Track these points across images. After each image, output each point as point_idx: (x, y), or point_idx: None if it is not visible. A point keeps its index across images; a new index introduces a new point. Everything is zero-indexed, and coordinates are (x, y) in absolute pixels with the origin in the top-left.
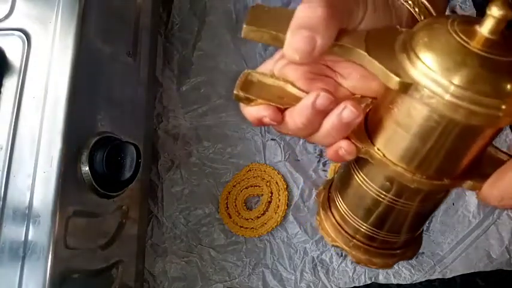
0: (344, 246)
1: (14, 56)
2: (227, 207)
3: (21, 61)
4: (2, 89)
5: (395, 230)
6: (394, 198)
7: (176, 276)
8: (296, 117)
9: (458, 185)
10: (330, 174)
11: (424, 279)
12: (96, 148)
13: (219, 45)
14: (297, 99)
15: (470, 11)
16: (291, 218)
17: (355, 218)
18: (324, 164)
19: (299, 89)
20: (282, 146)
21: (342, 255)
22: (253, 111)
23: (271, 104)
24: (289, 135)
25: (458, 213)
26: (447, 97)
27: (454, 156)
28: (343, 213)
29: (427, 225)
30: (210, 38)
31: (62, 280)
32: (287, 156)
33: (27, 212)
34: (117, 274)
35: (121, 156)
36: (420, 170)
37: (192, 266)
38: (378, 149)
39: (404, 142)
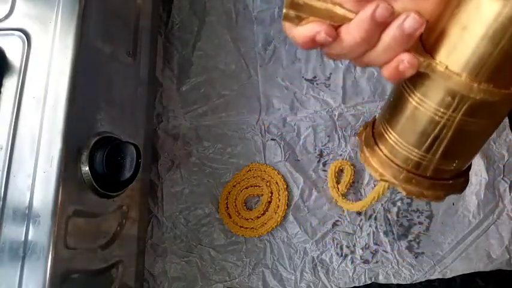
0: (393, 180)
1: (14, 56)
2: (227, 207)
3: (21, 61)
4: (2, 89)
5: (451, 155)
6: (453, 114)
7: (176, 276)
8: (354, 31)
9: None
10: (330, 175)
11: (424, 279)
12: (96, 148)
13: (219, 45)
14: (347, 20)
15: None
16: (291, 218)
17: (408, 145)
18: (324, 164)
19: (348, 10)
20: (282, 146)
21: (342, 255)
22: (305, 30)
23: (324, 21)
24: (340, 57)
25: (458, 213)
26: None
27: None
28: (393, 143)
29: (427, 225)
30: (210, 38)
31: (62, 280)
32: (287, 156)
33: (27, 212)
34: (117, 274)
35: (121, 156)
36: (486, 78)
37: (192, 266)
38: (440, 62)
39: (470, 48)
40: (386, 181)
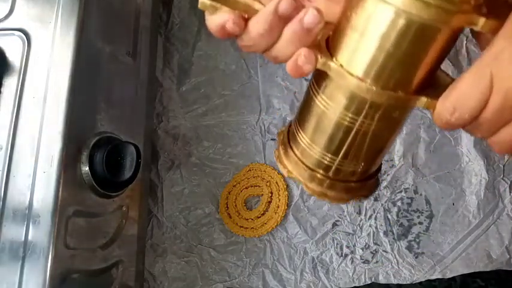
0: (299, 178)
1: (14, 56)
2: (227, 207)
3: (21, 61)
4: (2, 89)
5: (352, 157)
6: (351, 116)
7: (176, 276)
8: (259, 23)
9: (413, 102)
10: None
11: (424, 279)
12: (96, 148)
13: (219, 45)
14: None
15: None
16: (291, 218)
17: (312, 145)
18: None
19: (264, 5)
20: None
21: (342, 255)
22: (217, 18)
23: (236, 11)
24: (250, 49)
25: (458, 213)
26: None
27: (408, 65)
28: (301, 143)
29: (427, 225)
30: (210, 38)
31: (62, 280)
32: None
33: (27, 212)
34: (117, 274)
35: (121, 156)
36: (375, 79)
37: (192, 266)
38: (336, 60)
39: (360, 48)
40: (293, 178)
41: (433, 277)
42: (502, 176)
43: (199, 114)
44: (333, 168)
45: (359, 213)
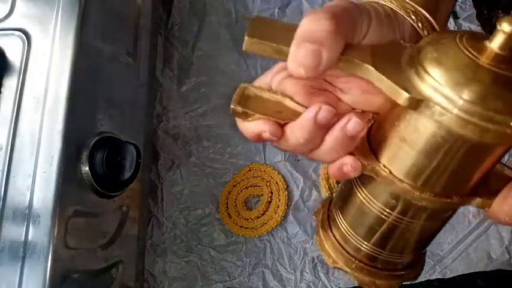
0: (346, 268)
1: (14, 56)
2: (227, 207)
3: (21, 61)
4: (2, 89)
5: (399, 250)
6: (398, 216)
7: (176, 276)
8: (297, 132)
9: (466, 203)
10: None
11: (424, 279)
12: (96, 148)
13: (219, 45)
14: (296, 114)
15: (469, 11)
16: (291, 218)
17: (357, 237)
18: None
19: (298, 103)
20: None
21: None
22: (252, 126)
23: (270, 118)
24: (288, 151)
25: (458, 213)
26: (458, 113)
27: (462, 173)
28: (344, 232)
29: None
30: (210, 38)
31: (62, 280)
32: (287, 156)
33: (27, 212)
34: (117, 274)
35: (121, 156)
36: (428, 187)
37: (192, 266)
38: (384, 166)
39: (411, 159)
40: (339, 269)
41: (433, 277)
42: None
43: (199, 114)
44: (380, 259)
45: None
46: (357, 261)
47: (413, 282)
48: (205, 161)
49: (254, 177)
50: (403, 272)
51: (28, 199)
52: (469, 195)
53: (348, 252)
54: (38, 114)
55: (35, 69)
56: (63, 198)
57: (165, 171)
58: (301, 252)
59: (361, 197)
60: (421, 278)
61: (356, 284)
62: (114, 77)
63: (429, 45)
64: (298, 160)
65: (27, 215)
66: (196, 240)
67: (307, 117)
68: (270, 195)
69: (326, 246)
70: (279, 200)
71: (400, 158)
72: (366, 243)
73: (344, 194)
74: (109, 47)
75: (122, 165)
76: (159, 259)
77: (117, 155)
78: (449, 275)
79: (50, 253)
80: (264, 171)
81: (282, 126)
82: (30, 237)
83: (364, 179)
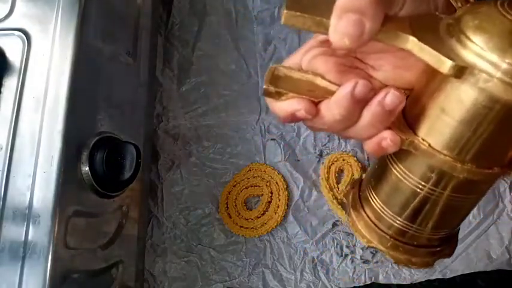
0: (381, 247)
1: (14, 56)
2: (227, 207)
3: (21, 61)
4: (2, 89)
5: (435, 225)
6: (437, 190)
7: (176, 276)
8: (333, 108)
9: (507, 174)
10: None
11: (424, 279)
12: (96, 148)
13: (219, 45)
14: (329, 93)
15: None
16: (291, 218)
17: (392, 214)
18: None
19: (330, 81)
20: (282, 146)
21: (342, 255)
22: (285, 105)
23: (304, 97)
24: (323, 130)
25: None
26: (502, 77)
27: (504, 143)
28: (378, 211)
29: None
30: (210, 38)
31: (62, 280)
32: (287, 156)
33: (27, 212)
34: (117, 274)
35: (121, 156)
36: (469, 158)
37: (192, 266)
38: (423, 139)
39: (452, 130)
40: (374, 247)
41: (433, 277)
42: (502, 176)
43: (199, 114)
44: (415, 236)
45: None
46: (392, 239)
47: (414, 282)
48: (205, 161)
49: (254, 177)
50: (438, 249)
51: (28, 199)
52: (510, 165)
53: (383, 231)
54: (38, 114)
55: (35, 69)
56: (63, 198)
57: (165, 171)
58: (301, 252)
59: (397, 173)
60: (421, 278)
61: (356, 284)
62: (114, 77)
63: (468, 14)
64: (298, 160)
65: (27, 215)
66: (196, 240)
67: (343, 92)
68: (270, 195)
69: (359, 226)
70: (279, 200)
71: (439, 130)
72: (401, 220)
73: (378, 172)
74: (109, 47)
75: (122, 165)
76: (159, 259)
77: (117, 155)
78: (449, 275)
79: (50, 253)
80: (264, 171)
81: (315, 104)
82: (30, 237)
83: (400, 154)
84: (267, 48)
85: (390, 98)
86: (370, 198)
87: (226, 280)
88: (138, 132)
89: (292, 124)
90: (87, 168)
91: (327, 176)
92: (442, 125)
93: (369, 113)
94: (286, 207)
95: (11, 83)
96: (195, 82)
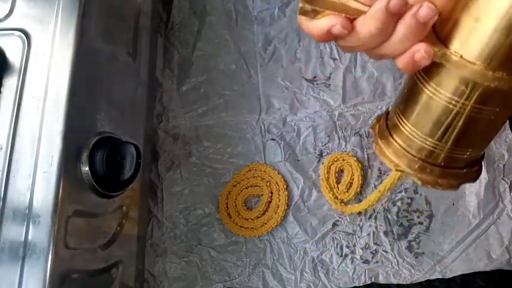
0: (408, 170)
1: (14, 56)
2: (227, 207)
3: (21, 61)
4: (2, 89)
5: (464, 144)
6: (467, 103)
7: (176, 276)
8: (369, 22)
9: None
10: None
11: (424, 279)
12: (96, 148)
13: (219, 45)
14: (361, 13)
15: None
16: (291, 218)
17: (422, 135)
18: None
19: (362, 3)
20: (282, 146)
21: (342, 255)
22: (321, 23)
23: (339, 14)
24: (355, 49)
25: (458, 213)
26: None
27: None
28: (407, 134)
29: (427, 225)
30: (210, 38)
31: (62, 280)
32: (287, 156)
33: (27, 212)
34: (117, 274)
35: (121, 156)
36: (501, 66)
37: (192, 266)
38: (455, 51)
39: (484, 39)
40: (401, 171)
41: (433, 277)
42: (502, 176)
43: (199, 114)
44: (443, 156)
45: (359, 213)
46: (420, 161)
47: (414, 282)
48: (205, 161)
49: (254, 177)
50: (464, 171)
51: (28, 199)
52: None
53: (411, 154)
54: (38, 114)
55: (35, 69)
56: (63, 198)
57: (165, 171)
58: (301, 252)
59: (428, 91)
60: (421, 278)
61: (356, 284)
62: (114, 77)
63: None
64: (298, 160)
65: (27, 215)
66: (196, 240)
67: (378, 6)
68: (270, 195)
69: (387, 152)
70: (279, 200)
71: (471, 40)
72: (430, 139)
73: (407, 95)
74: (109, 47)
75: (122, 165)
76: (159, 259)
77: (117, 155)
78: (449, 275)
79: (50, 253)
80: (264, 171)
81: (351, 21)
82: (30, 237)
83: (431, 72)
84: (267, 48)
85: (424, 10)
86: (398, 124)
87: (226, 280)
88: (138, 132)
89: (292, 124)
90: (87, 168)
91: (327, 176)
92: (473, 35)
93: (403, 26)
94: (286, 207)
95: (11, 83)
96: (195, 82)
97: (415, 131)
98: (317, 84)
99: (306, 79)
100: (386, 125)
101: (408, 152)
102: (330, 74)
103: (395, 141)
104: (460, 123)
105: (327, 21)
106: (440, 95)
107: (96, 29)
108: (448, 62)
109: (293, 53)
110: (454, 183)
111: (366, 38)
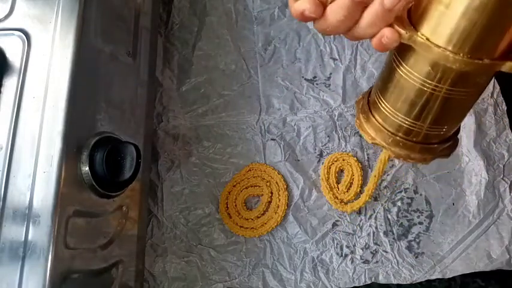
0: (383, 143)
1: (14, 56)
2: (227, 207)
3: (21, 61)
4: (2, 89)
5: (438, 122)
6: (436, 84)
7: (176, 276)
8: (337, 9)
9: (497, 67)
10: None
11: (424, 279)
12: (96, 148)
13: (219, 45)
14: None
15: None
16: (291, 218)
17: (397, 113)
18: None
19: None
20: (282, 146)
21: (342, 255)
22: (297, 5)
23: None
24: (328, 32)
25: (458, 213)
26: None
27: (495, 30)
28: (384, 111)
29: (427, 225)
30: (210, 38)
31: (62, 280)
32: (287, 156)
33: (27, 212)
34: (117, 274)
35: (121, 156)
36: (462, 49)
37: (192, 266)
38: (422, 34)
39: (447, 21)
40: (376, 144)
41: (433, 277)
42: (502, 176)
43: (199, 114)
44: (416, 132)
45: (359, 213)
46: (393, 136)
47: (414, 282)
48: (205, 161)
49: (254, 177)
50: (436, 146)
51: (28, 199)
52: (501, 58)
53: (388, 130)
54: (38, 114)
55: (35, 69)
56: (63, 198)
57: (165, 171)
58: (301, 252)
59: (401, 73)
60: (421, 278)
61: (356, 284)
62: (114, 77)
63: None
64: (298, 160)
65: (27, 215)
66: (196, 240)
67: None
68: (270, 195)
69: (366, 126)
70: (279, 200)
71: (436, 23)
72: (402, 116)
73: (384, 74)
74: (109, 47)
75: (122, 165)
76: (159, 259)
77: (117, 155)
78: (449, 275)
79: (50, 253)
80: (264, 171)
81: (324, 7)
82: (30, 237)
83: (404, 54)
84: (267, 48)
85: None
86: (377, 101)
87: (226, 280)
88: (138, 132)
89: (292, 124)
90: (87, 168)
91: (327, 176)
92: (437, 17)
93: (370, 13)
94: (286, 207)
95: (11, 83)
96: (195, 82)
97: (390, 109)
98: (317, 84)
99: (306, 79)
100: (368, 101)
101: (384, 128)
102: (330, 74)
103: (374, 117)
104: (432, 104)
105: (302, 5)
106: (411, 75)
107: (96, 29)
108: (415, 44)
109: (293, 53)
110: (427, 157)
111: (334, 23)
